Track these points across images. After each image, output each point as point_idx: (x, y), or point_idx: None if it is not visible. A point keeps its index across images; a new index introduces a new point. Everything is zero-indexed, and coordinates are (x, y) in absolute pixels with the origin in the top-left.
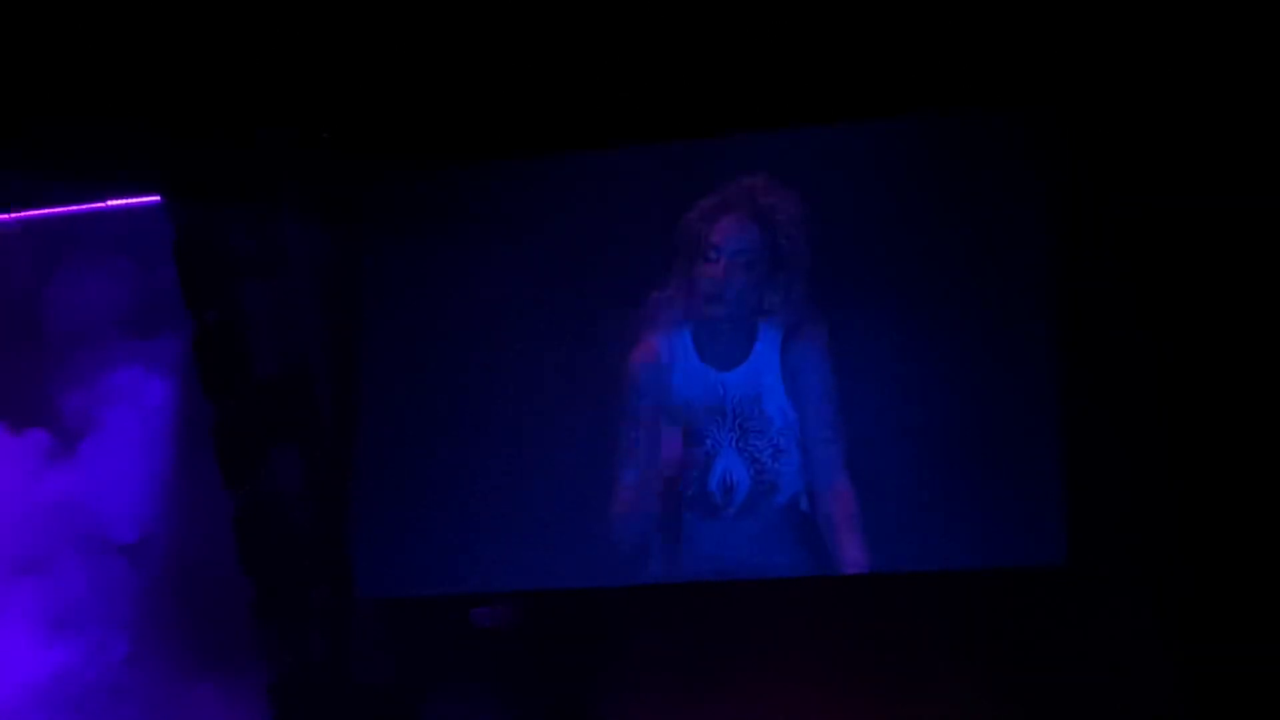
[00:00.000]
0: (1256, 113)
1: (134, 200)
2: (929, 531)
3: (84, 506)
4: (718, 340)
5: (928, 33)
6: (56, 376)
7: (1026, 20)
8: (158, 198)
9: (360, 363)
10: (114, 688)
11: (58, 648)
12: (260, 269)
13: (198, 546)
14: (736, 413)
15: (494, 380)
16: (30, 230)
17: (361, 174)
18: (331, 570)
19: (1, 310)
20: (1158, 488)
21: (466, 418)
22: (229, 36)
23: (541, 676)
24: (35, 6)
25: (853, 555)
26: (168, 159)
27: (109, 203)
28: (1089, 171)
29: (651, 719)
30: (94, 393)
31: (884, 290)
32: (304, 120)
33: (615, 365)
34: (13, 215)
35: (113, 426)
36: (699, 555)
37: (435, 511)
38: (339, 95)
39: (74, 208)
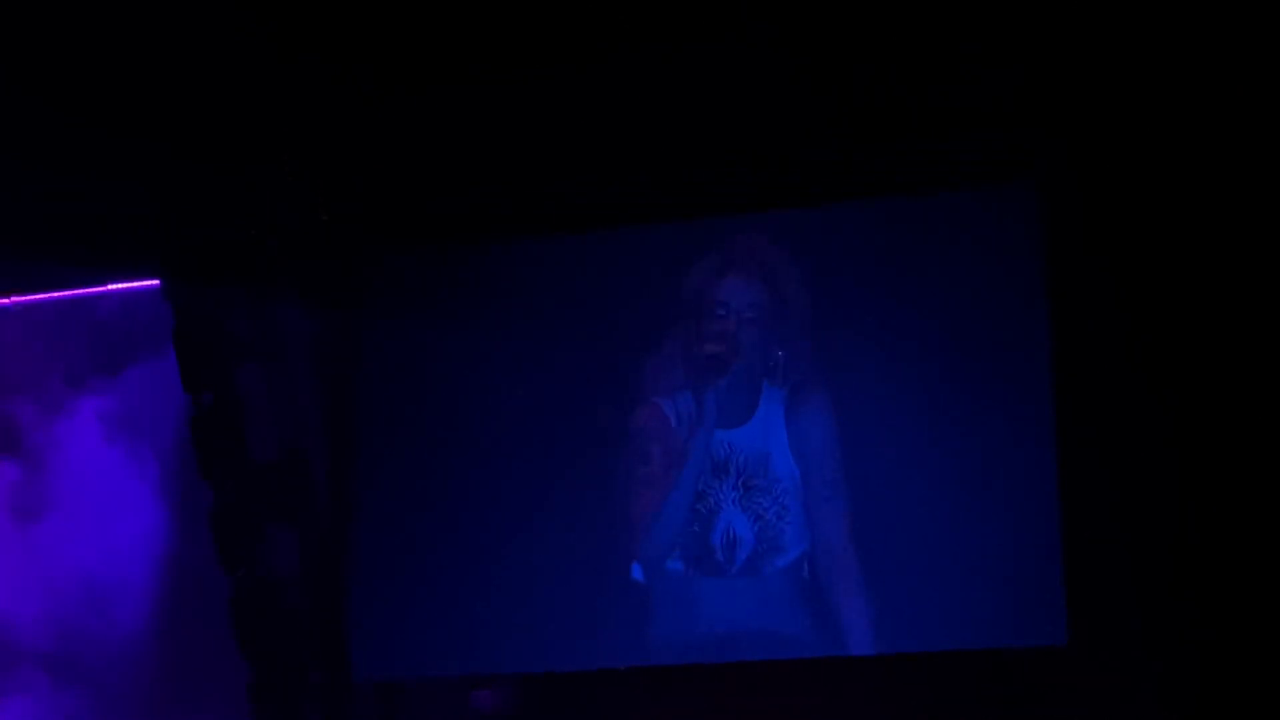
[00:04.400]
0: (1244, 176)
1: (132, 284)
2: (930, 607)
3: (80, 586)
4: (723, 398)
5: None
6: (54, 455)
7: (1007, 80)
8: (156, 282)
9: (357, 445)
10: None
11: None
12: (257, 352)
13: (194, 630)
14: (741, 470)
15: (491, 461)
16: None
17: (358, 257)
18: (329, 653)
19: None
20: (1159, 568)
21: (464, 499)
22: (227, 122)
23: None
24: (39, 87)
25: (855, 626)
26: (166, 243)
27: (108, 286)
28: (1084, 245)
29: None
30: (89, 472)
31: (887, 362)
32: (301, 204)
33: (613, 443)
34: (12, 299)
35: (110, 508)
36: (702, 618)
37: (433, 593)
38: (336, 179)
39: (73, 292)
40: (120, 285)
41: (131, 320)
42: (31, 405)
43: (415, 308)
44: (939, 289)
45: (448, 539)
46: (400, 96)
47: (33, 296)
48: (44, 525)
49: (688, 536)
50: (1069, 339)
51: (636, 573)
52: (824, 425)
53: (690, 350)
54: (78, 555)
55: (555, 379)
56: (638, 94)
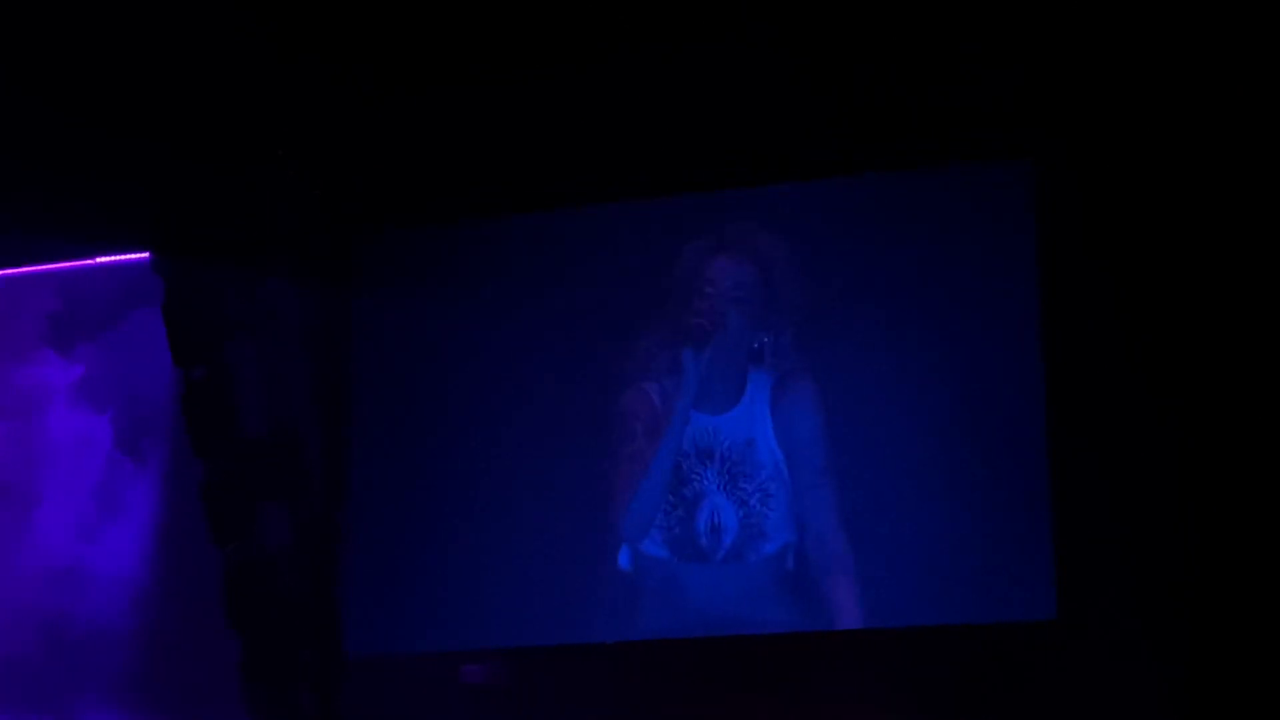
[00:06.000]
0: (1247, 174)
1: (123, 257)
2: (919, 586)
3: (70, 564)
4: (709, 384)
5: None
6: (37, 429)
7: (1007, 79)
8: (146, 255)
9: (349, 420)
10: None
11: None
12: (249, 326)
13: (186, 605)
14: (726, 457)
15: (484, 436)
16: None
17: (350, 231)
18: (321, 629)
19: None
20: (1149, 539)
21: (456, 474)
22: (219, 97)
23: None
24: (29, 59)
25: (844, 609)
26: (157, 216)
27: (98, 260)
28: (1078, 225)
29: None
30: (73, 446)
31: (874, 344)
32: (293, 178)
33: (607, 419)
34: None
35: (100, 484)
36: (688, 604)
37: (425, 568)
38: (328, 153)
39: (62, 264)
40: (106, 259)
41: (115, 291)
42: (11, 376)
43: (409, 284)
44: (929, 276)
45: (439, 515)
46: (400, 96)
47: (14, 270)
48: (27, 501)
49: (672, 522)
50: (1060, 324)
51: (623, 557)
52: (810, 412)
53: (679, 328)
54: (64, 532)
55: (548, 359)
56: (638, 94)
